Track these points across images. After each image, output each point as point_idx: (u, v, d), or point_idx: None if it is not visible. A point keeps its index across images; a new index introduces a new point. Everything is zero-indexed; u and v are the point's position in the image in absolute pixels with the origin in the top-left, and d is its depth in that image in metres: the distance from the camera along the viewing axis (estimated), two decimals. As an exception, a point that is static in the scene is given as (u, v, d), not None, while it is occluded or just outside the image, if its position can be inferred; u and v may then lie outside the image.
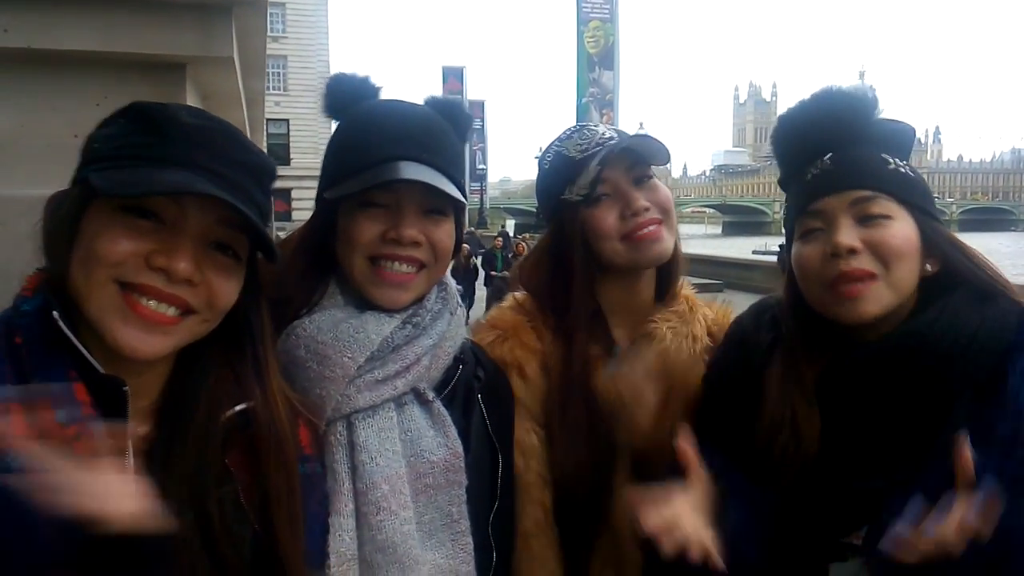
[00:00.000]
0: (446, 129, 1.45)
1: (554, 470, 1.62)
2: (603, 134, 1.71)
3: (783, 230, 1.61)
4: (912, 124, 1.50)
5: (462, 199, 1.40)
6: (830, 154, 1.42)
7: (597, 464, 1.62)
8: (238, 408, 1.12)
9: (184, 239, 1.03)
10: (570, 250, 1.72)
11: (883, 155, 1.42)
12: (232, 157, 1.06)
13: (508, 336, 1.71)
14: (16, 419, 0.90)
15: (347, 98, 1.46)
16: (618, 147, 1.66)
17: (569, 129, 1.76)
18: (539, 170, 1.81)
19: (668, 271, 1.81)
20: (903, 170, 1.42)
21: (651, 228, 1.67)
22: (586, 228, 1.70)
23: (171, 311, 1.02)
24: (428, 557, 1.34)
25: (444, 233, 1.40)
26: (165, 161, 1.01)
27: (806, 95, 1.51)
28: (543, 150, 1.83)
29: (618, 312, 1.78)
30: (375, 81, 1.49)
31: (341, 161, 1.40)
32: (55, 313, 0.98)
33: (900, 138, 1.47)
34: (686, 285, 1.88)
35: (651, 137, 1.67)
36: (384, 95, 1.50)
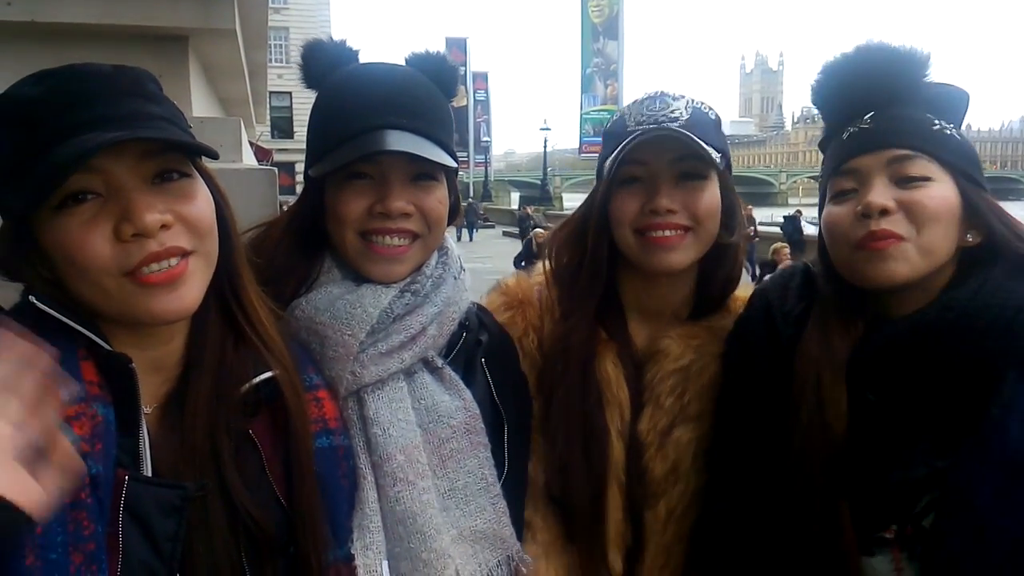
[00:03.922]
0: (430, 89, 1.36)
1: (547, 460, 1.56)
2: (670, 112, 1.51)
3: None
4: (964, 89, 1.37)
5: (451, 163, 1.33)
6: (871, 113, 1.33)
7: (586, 456, 1.54)
8: (263, 376, 1.11)
9: (128, 195, 0.97)
10: (590, 226, 1.61)
11: (928, 115, 1.32)
12: (102, 92, 0.99)
13: (513, 305, 1.65)
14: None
15: (325, 66, 1.38)
16: (650, 135, 1.47)
17: (652, 94, 1.57)
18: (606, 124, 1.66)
19: (710, 280, 1.63)
20: (949, 132, 1.32)
21: (667, 234, 1.50)
22: (609, 208, 1.57)
23: (174, 261, 1.00)
24: (468, 524, 1.33)
25: (435, 200, 1.34)
26: (49, 145, 0.95)
27: (849, 48, 1.39)
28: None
29: (635, 309, 1.65)
30: (352, 45, 1.41)
31: (322, 134, 1.33)
32: (31, 297, 0.97)
33: (950, 101, 1.37)
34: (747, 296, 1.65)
35: (691, 137, 1.45)
36: (364, 58, 1.41)
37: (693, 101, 1.55)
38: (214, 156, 1.08)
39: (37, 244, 0.99)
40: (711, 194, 1.53)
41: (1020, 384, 1.18)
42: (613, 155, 1.51)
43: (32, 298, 0.96)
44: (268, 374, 1.12)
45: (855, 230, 1.29)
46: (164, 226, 0.99)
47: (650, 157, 1.50)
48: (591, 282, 1.61)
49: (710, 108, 1.58)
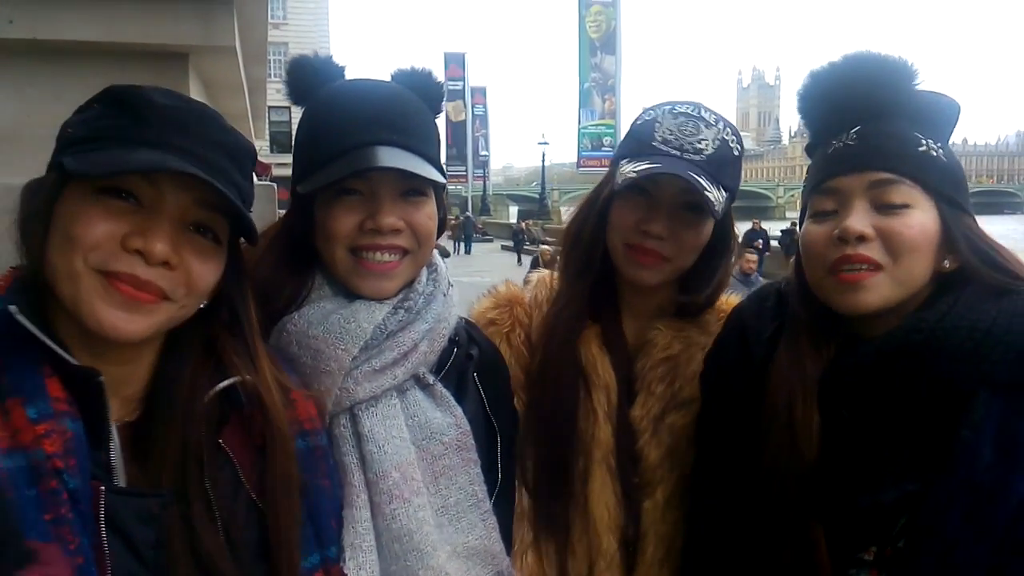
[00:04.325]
0: (417, 105, 1.37)
1: (530, 443, 1.60)
2: (698, 142, 1.53)
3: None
4: (956, 99, 1.33)
5: (440, 178, 1.34)
6: (857, 128, 1.30)
7: (559, 445, 1.59)
8: (224, 384, 1.11)
9: (161, 220, 1.01)
10: (590, 218, 1.65)
11: (916, 133, 1.28)
12: (209, 138, 1.05)
13: (500, 305, 1.71)
14: None
15: (311, 82, 1.39)
16: (667, 170, 1.50)
17: (689, 106, 1.58)
18: (638, 116, 1.67)
19: (693, 290, 1.68)
20: (935, 153, 1.28)
21: (647, 256, 1.57)
22: (610, 209, 1.62)
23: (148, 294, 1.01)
24: (460, 540, 1.34)
25: (425, 215, 1.35)
26: (139, 142, 1.00)
27: (837, 57, 1.36)
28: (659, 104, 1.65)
29: (626, 306, 1.71)
30: (339, 61, 1.42)
31: (310, 151, 1.33)
32: (11, 308, 0.96)
33: (940, 114, 1.33)
34: (737, 301, 1.68)
35: (703, 186, 1.47)
36: (362, 74, 1.42)
37: (722, 131, 1.57)
38: (253, 243, 1.13)
39: (53, 212, 1.00)
40: (703, 231, 1.60)
41: (991, 406, 1.17)
42: (628, 169, 1.53)
43: (12, 309, 0.96)
44: (229, 381, 1.11)
45: (830, 252, 1.27)
46: (167, 264, 1.01)
47: (661, 179, 1.53)
48: (583, 270, 1.66)
49: (737, 141, 1.60)
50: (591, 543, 1.59)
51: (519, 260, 29.20)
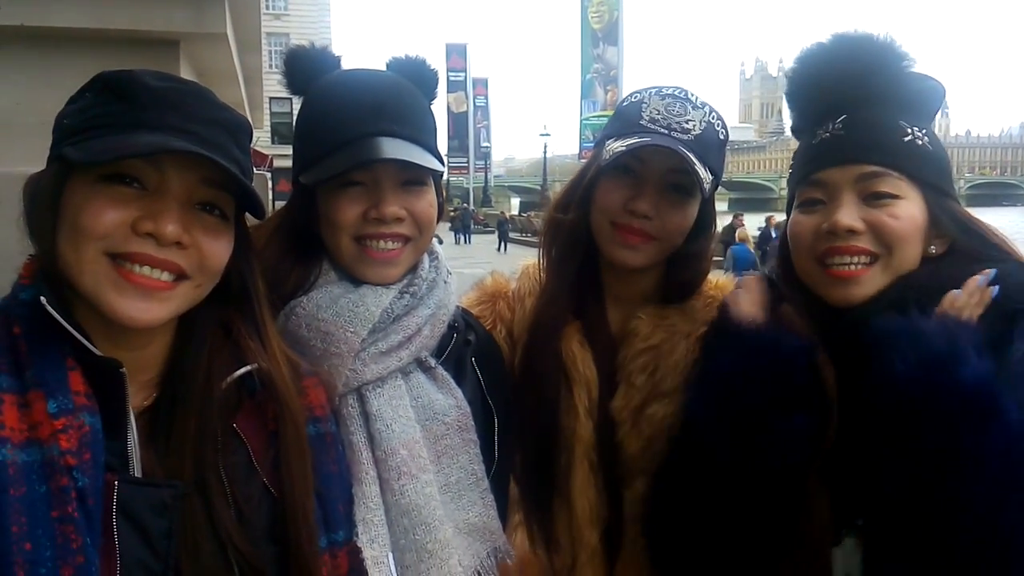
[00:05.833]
0: (414, 94, 1.40)
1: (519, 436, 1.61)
2: (685, 121, 1.53)
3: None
4: (940, 81, 1.35)
5: (440, 167, 1.37)
6: (843, 116, 1.30)
7: (541, 440, 1.60)
8: (241, 371, 1.11)
9: (169, 202, 1.01)
10: (574, 201, 1.64)
11: (901, 122, 1.29)
12: (205, 115, 1.05)
13: (484, 300, 1.72)
14: (9, 410, 0.92)
15: (308, 73, 1.41)
16: (657, 143, 1.49)
17: (676, 89, 1.58)
18: (623, 99, 1.66)
19: (678, 274, 1.65)
20: (920, 142, 1.29)
21: (633, 237, 1.55)
22: (595, 189, 1.61)
23: (165, 276, 1.01)
24: (461, 517, 1.38)
25: (426, 204, 1.37)
26: (138, 126, 1.00)
27: (824, 37, 1.35)
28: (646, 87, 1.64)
29: (610, 294, 1.69)
30: (335, 51, 1.44)
31: (313, 142, 1.35)
32: (42, 299, 0.96)
33: (925, 99, 1.34)
34: (726, 283, 1.68)
35: (693, 161, 1.47)
36: (349, 65, 1.44)
37: (709, 114, 1.57)
38: (260, 217, 1.14)
39: (59, 204, 1.00)
40: (689, 212, 1.59)
41: None
42: (615, 145, 1.52)
43: (43, 300, 0.97)
44: (247, 368, 1.12)
45: (819, 243, 1.29)
46: (179, 244, 1.01)
47: (649, 156, 1.52)
48: (567, 254, 1.65)
49: (722, 126, 1.60)
50: (574, 536, 1.60)
51: (500, 247, 30.88)
